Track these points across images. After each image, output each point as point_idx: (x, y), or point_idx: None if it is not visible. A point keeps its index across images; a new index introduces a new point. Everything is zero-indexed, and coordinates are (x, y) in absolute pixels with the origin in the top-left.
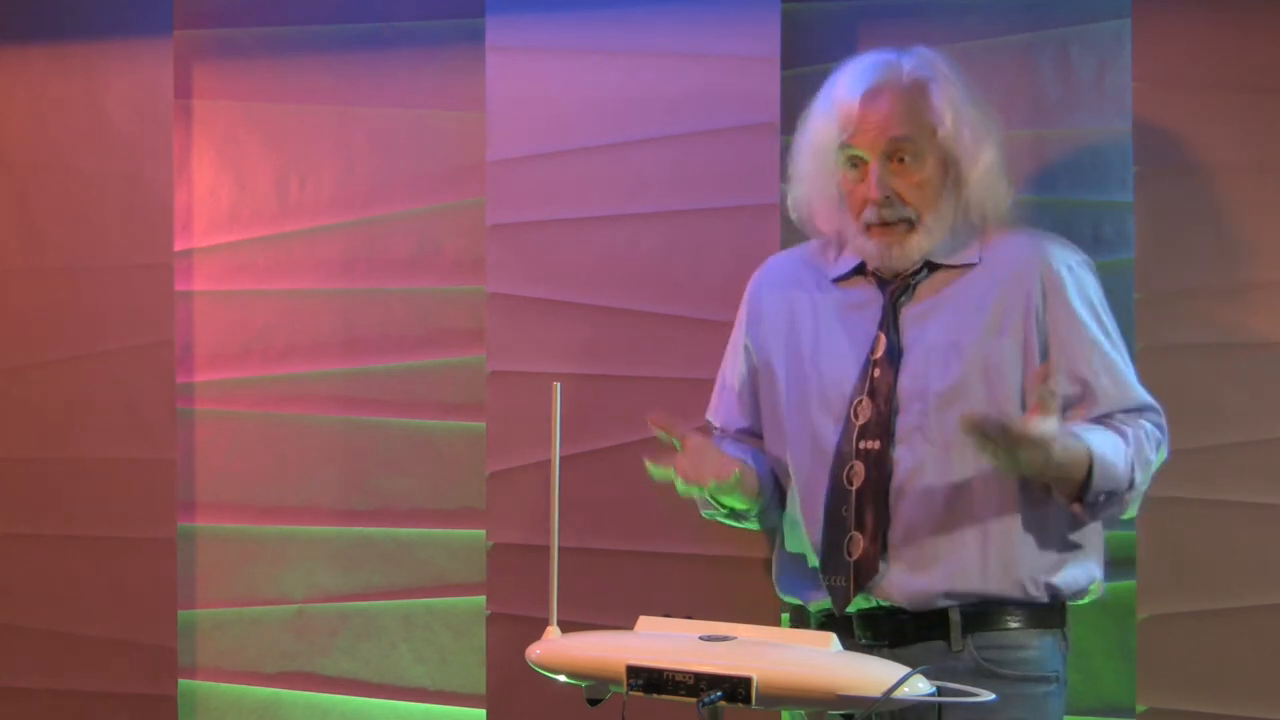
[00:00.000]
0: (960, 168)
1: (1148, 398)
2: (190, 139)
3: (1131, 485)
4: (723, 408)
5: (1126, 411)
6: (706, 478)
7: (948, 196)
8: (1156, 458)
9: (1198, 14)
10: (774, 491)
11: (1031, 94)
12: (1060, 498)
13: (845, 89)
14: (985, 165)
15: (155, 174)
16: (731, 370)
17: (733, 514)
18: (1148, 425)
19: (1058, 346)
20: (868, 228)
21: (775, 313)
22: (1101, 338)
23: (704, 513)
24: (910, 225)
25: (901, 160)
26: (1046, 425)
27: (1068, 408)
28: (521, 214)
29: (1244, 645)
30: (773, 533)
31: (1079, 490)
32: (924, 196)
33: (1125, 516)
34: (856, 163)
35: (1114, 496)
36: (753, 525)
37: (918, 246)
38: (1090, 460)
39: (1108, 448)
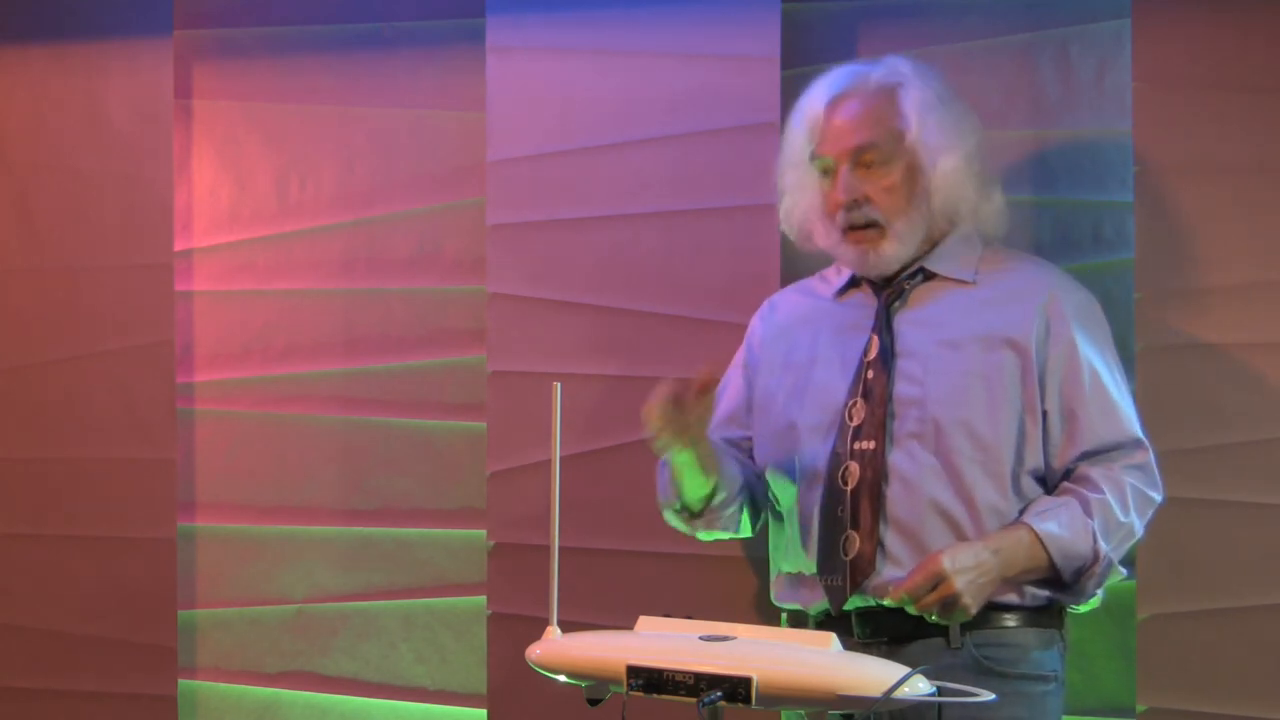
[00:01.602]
0: (926, 172)
1: (1137, 434)
2: (190, 139)
3: (1097, 557)
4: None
5: (1111, 450)
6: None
7: (918, 202)
8: (1134, 519)
9: (1198, 14)
10: (736, 495)
11: (1031, 94)
12: (1040, 589)
13: (812, 100)
14: (949, 167)
15: (155, 174)
16: (731, 390)
17: (685, 509)
18: (1129, 482)
19: (1053, 374)
20: (843, 234)
21: (774, 336)
22: (1101, 369)
23: (661, 504)
24: (880, 231)
25: (869, 166)
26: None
27: (1055, 440)
28: (521, 214)
29: (1244, 645)
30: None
31: (1053, 572)
32: (893, 201)
33: (1111, 580)
34: (828, 170)
35: (1086, 571)
36: (701, 531)
37: (892, 253)
38: (1042, 544)
39: (1064, 529)
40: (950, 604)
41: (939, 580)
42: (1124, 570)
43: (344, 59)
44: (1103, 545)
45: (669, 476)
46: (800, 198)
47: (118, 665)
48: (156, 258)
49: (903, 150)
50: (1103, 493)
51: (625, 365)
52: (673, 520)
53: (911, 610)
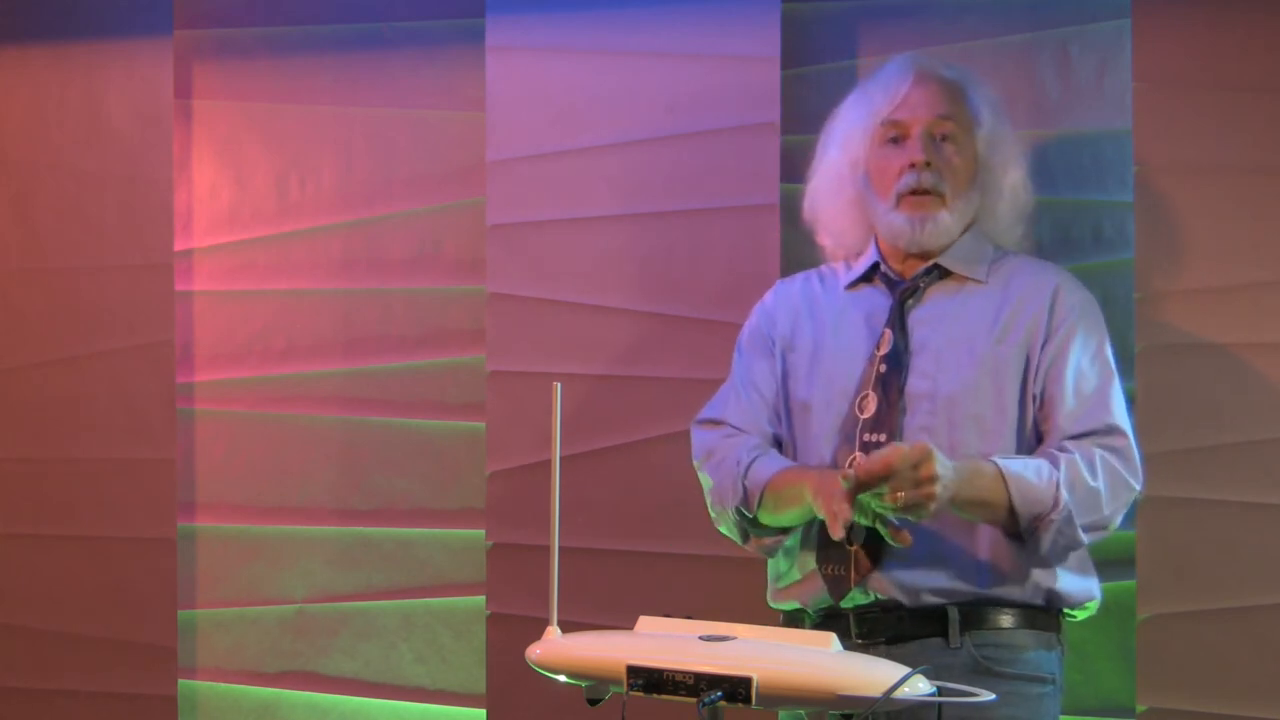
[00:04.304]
0: (992, 172)
1: (1114, 420)
2: (190, 139)
3: (1057, 504)
4: (749, 409)
5: (1087, 435)
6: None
7: (973, 194)
8: (1103, 487)
9: (1198, 14)
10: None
11: (1031, 94)
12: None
13: (892, 73)
14: (1016, 180)
15: (155, 174)
16: (760, 372)
17: (752, 521)
18: (1100, 454)
19: (1044, 360)
20: (899, 200)
21: (787, 317)
22: (1086, 361)
23: (727, 504)
24: (941, 200)
25: (942, 140)
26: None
27: (1039, 424)
28: (521, 214)
29: (1244, 645)
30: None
31: (1009, 516)
32: (957, 180)
33: (1073, 546)
34: (898, 139)
35: (1043, 519)
36: (748, 545)
37: (945, 225)
38: (1003, 479)
39: (1027, 470)
40: (927, 483)
41: (925, 458)
42: (1085, 538)
43: (344, 59)
44: (1064, 495)
45: (760, 490)
46: (841, 176)
47: (118, 665)
48: (156, 258)
49: (973, 141)
50: (1072, 454)
51: (625, 365)
52: (726, 523)
53: (877, 506)
